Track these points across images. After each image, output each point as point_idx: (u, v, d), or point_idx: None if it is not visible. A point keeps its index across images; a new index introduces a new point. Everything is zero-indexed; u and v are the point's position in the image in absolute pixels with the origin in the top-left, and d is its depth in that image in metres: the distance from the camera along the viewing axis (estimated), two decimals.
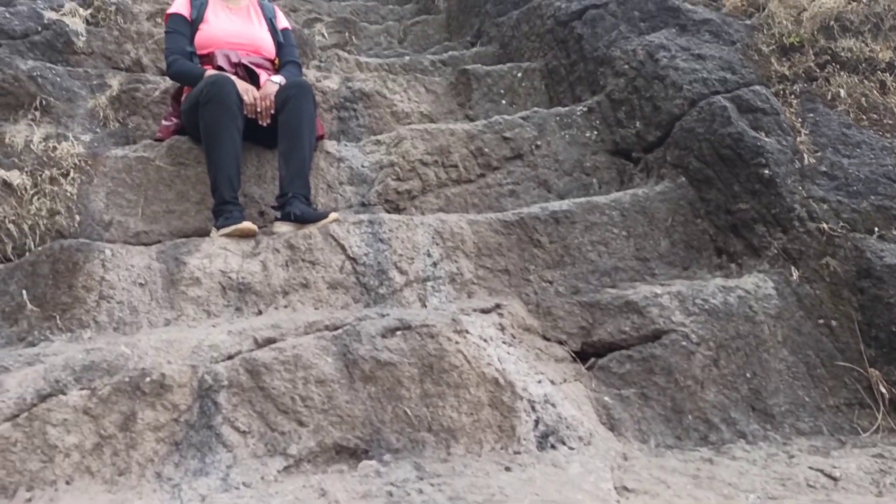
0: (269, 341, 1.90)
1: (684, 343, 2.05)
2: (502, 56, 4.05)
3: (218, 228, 2.48)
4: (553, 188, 2.95)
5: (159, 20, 4.44)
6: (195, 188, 2.79)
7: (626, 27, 3.14)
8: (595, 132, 3.04)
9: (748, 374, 2.05)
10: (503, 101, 3.55)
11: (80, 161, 2.70)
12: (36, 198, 2.55)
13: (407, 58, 4.22)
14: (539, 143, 3.01)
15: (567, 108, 3.14)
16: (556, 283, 2.40)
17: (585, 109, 3.10)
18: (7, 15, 3.76)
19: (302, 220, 2.49)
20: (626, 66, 2.97)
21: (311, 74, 3.55)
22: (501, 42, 4.11)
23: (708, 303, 2.14)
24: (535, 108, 3.18)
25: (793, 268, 2.20)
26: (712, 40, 2.84)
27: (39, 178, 2.58)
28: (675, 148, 2.65)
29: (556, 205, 2.57)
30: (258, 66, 2.90)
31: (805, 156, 2.35)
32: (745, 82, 2.61)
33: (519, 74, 3.57)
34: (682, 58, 2.78)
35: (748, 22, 2.91)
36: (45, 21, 3.80)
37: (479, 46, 4.36)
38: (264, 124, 2.70)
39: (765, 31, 2.82)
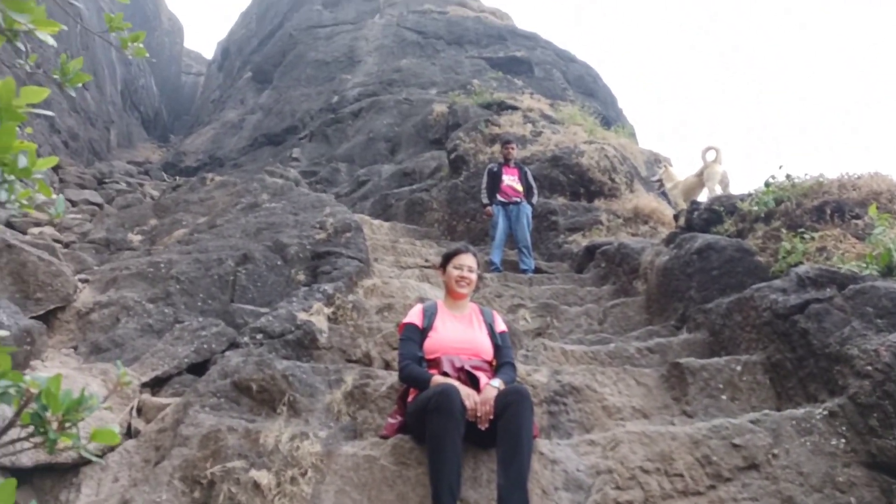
0: None
1: None
2: (714, 344, 3.94)
3: None
4: None
5: (386, 314, 5.07)
6: (415, 490, 2.85)
7: (860, 324, 2.94)
8: (843, 440, 2.70)
9: None
10: (723, 397, 3.35)
11: (316, 460, 2.94)
12: (277, 498, 2.76)
13: (612, 345, 4.27)
14: (776, 451, 2.73)
15: (803, 411, 2.87)
16: None
17: (826, 413, 2.80)
18: (270, 318, 4.54)
19: None
20: (870, 368, 2.71)
21: (520, 368, 3.69)
22: (711, 329, 4.03)
23: None
24: (766, 411, 2.95)
25: None
26: None
27: (282, 478, 2.82)
28: None
29: None
30: (478, 368, 3.10)
31: None
32: None
33: (738, 368, 3.40)
34: None
35: None
36: (298, 322, 4.50)
37: (686, 332, 4.31)
38: (483, 428, 2.79)
39: None
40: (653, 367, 3.89)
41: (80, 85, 2.37)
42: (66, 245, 7.46)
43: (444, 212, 9.93)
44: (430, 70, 18.41)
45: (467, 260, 3.41)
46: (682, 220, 5.77)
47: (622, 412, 3.46)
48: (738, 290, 3.97)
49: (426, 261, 7.22)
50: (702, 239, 4.66)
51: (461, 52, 19.61)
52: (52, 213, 2.31)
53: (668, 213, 7.89)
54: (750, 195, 5.04)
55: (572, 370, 3.72)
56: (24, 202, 2.11)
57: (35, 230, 8.01)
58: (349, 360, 4.38)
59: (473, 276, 3.40)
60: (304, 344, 4.40)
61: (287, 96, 19.81)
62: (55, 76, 2.37)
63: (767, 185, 5.04)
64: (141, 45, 2.72)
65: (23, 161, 1.96)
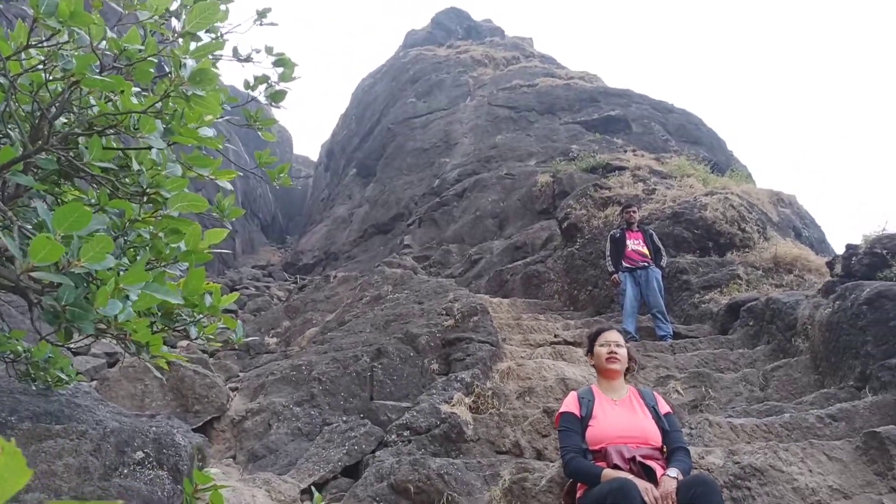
0: None
1: None
2: None
3: None
4: None
5: (528, 399, 4.90)
6: None
7: None
8: None
9: None
10: None
11: None
12: None
13: (787, 415, 3.86)
14: None
15: None
16: None
17: None
18: (415, 413, 4.52)
19: None
20: None
21: (691, 451, 3.40)
22: None
23: None
24: None
25: None
26: None
27: None
28: None
29: None
30: (649, 457, 2.86)
31: None
32: None
33: None
34: None
35: None
36: (442, 415, 4.44)
37: (871, 394, 3.84)
38: None
39: None
40: (841, 437, 3.47)
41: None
42: (212, 354, 7.93)
43: (562, 282, 9.73)
44: (525, 142, 18.63)
45: (612, 336, 3.25)
46: (838, 268, 5.27)
47: (818, 493, 3.08)
48: None
49: (555, 336, 7.02)
50: (870, 287, 4.21)
51: (555, 120, 19.77)
52: (234, 338, 2.42)
53: (814, 259, 7.26)
54: None
55: (749, 448, 3.38)
56: (211, 336, 2.23)
57: (183, 342, 8.62)
58: (498, 452, 4.23)
59: (622, 351, 3.22)
60: (451, 438, 4.31)
61: (391, 186, 20.67)
62: (214, 213, 2.55)
63: None
64: (287, 175, 2.89)
65: (208, 300, 2.09)
